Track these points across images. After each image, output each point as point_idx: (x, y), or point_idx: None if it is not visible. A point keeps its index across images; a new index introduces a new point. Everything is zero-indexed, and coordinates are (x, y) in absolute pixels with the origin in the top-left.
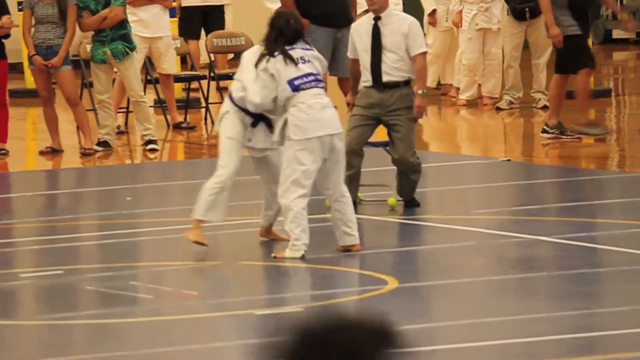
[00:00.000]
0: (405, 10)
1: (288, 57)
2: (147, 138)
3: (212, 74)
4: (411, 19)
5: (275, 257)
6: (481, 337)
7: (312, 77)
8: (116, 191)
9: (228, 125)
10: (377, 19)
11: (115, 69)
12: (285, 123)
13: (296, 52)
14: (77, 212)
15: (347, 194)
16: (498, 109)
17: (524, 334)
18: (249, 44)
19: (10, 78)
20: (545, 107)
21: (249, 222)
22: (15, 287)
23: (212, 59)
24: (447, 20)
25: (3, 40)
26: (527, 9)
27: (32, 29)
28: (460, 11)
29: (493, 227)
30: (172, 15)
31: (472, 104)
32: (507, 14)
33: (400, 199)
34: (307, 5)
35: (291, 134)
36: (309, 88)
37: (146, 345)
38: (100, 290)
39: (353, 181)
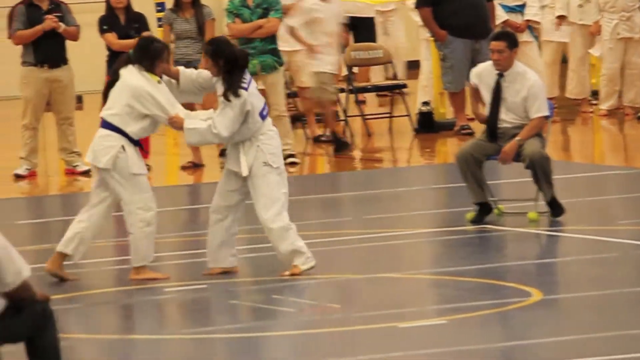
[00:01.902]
0: None
1: (255, 88)
2: (286, 152)
3: (350, 87)
4: (532, 80)
5: (290, 274)
6: (628, 349)
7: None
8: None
9: (135, 161)
10: (500, 75)
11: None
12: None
13: (247, 75)
14: None
15: None
16: None
17: None
18: (387, 57)
19: None
20: None
21: (386, 235)
22: (160, 301)
23: (351, 71)
24: (557, 30)
25: None
26: None
27: (172, 45)
28: (598, 20)
29: (637, 237)
30: None
31: (612, 113)
32: None
33: (542, 211)
34: (445, 16)
35: (270, 162)
36: (267, 114)
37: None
38: (244, 304)
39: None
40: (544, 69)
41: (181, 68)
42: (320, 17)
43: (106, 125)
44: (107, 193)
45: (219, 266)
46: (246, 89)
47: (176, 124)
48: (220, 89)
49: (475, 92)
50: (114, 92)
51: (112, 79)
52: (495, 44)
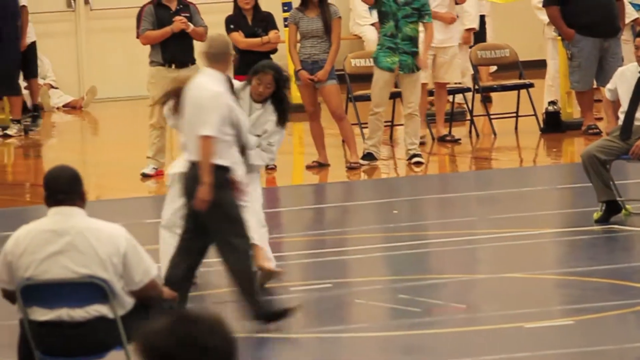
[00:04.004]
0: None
1: None
2: (412, 152)
3: (476, 86)
4: None
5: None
6: None
7: None
8: (382, 204)
9: None
10: None
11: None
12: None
13: None
14: (344, 225)
15: None
16: None
17: None
18: (514, 56)
19: None
20: None
21: (512, 235)
22: (285, 300)
23: (476, 71)
24: None
25: (271, 56)
26: None
27: (298, 44)
28: None
29: None
30: None
31: None
32: None
33: None
34: (573, 15)
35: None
36: None
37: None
38: (370, 304)
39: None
40: None
41: None
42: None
43: None
44: None
45: None
46: None
47: None
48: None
49: (608, 105)
50: None
51: None
52: (639, 40)
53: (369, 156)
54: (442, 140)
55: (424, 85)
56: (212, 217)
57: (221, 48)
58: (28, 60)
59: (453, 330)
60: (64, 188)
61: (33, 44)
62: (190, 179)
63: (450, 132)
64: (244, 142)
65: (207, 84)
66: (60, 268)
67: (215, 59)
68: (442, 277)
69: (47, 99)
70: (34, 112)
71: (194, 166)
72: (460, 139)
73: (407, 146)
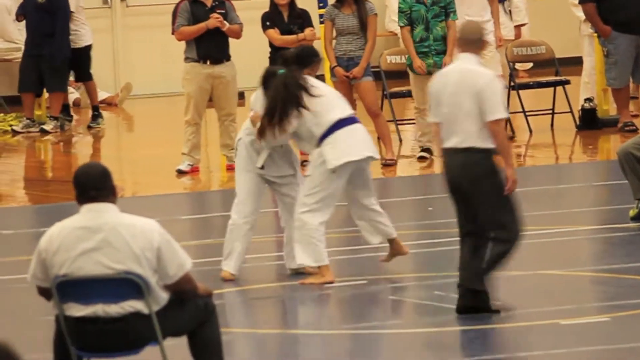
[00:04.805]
0: None
1: None
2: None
3: (512, 83)
4: None
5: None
6: None
7: None
8: (418, 201)
9: None
10: None
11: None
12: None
13: None
14: None
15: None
16: None
17: None
18: (550, 53)
19: None
20: None
21: (547, 232)
22: (319, 296)
23: (513, 67)
24: None
25: None
26: None
27: (333, 41)
28: None
29: None
30: None
31: None
32: None
33: None
34: (609, 11)
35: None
36: None
37: (445, 356)
38: (404, 300)
39: None
40: None
41: None
42: None
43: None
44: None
45: None
46: None
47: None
48: None
49: None
50: None
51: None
52: None
53: (428, 151)
54: None
55: None
56: (487, 200)
57: (476, 34)
58: (83, 62)
59: (488, 327)
60: (96, 184)
61: (89, 47)
62: (463, 167)
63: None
64: None
65: (479, 69)
66: (94, 264)
67: (473, 44)
68: None
69: (85, 97)
70: (95, 112)
71: (465, 153)
72: (514, 135)
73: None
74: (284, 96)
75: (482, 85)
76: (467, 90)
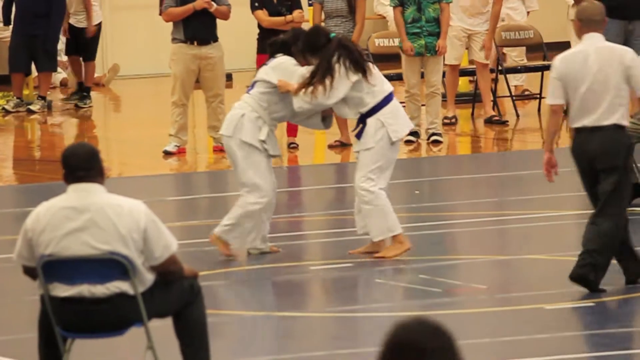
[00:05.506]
0: None
1: None
2: (431, 131)
3: (500, 67)
4: None
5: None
6: None
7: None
8: (404, 184)
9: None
10: None
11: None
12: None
13: None
14: None
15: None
16: None
17: None
18: (538, 38)
19: None
20: None
21: (533, 216)
22: (305, 279)
23: (501, 52)
24: None
25: None
26: None
27: (322, 24)
28: None
29: None
30: None
31: None
32: None
33: None
34: None
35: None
36: None
37: None
38: (390, 284)
39: None
40: None
41: None
42: None
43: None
44: None
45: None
46: None
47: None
48: None
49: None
50: None
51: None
52: None
53: (415, 134)
54: (489, 122)
55: (455, 66)
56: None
57: (600, 14)
58: (93, 41)
59: (473, 311)
60: (84, 165)
61: (99, 25)
62: (610, 142)
63: (498, 112)
64: None
65: (618, 46)
66: (81, 245)
67: (598, 24)
68: (463, 258)
69: (72, 77)
70: (84, 92)
71: (609, 130)
72: (507, 121)
73: (427, 125)
74: (348, 55)
75: (629, 61)
76: (615, 66)
